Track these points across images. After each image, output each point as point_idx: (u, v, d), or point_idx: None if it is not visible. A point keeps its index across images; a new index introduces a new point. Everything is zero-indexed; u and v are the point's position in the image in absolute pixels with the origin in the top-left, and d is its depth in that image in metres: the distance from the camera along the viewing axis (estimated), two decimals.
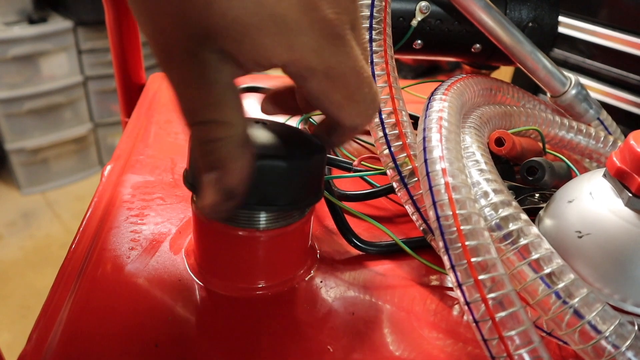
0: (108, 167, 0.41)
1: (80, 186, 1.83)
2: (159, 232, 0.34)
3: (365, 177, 0.42)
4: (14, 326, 1.30)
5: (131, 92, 0.59)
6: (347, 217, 0.35)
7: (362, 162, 0.35)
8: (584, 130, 0.41)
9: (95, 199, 0.37)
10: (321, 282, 0.32)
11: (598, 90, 0.72)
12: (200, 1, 0.20)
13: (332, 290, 0.31)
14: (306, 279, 0.32)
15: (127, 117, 0.60)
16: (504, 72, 0.55)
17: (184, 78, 0.22)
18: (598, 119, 0.44)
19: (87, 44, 1.70)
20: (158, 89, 0.56)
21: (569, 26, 0.72)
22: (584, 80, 0.66)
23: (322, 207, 0.37)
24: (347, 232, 0.34)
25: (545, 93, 0.45)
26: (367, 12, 0.34)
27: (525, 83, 0.49)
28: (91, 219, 0.35)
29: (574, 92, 0.43)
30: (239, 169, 0.23)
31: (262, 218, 0.28)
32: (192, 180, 0.28)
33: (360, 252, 0.34)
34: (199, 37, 0.21)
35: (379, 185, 0.39)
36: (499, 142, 0.35)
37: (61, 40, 1.64)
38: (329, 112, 0.24)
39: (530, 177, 0.35)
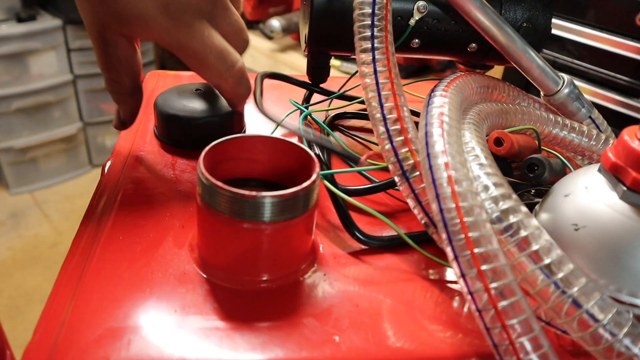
0: (108, 163, 0.41)
1: (69, 186, 1.82)
2: (162, 226, 0.35)
3: (364, 172, 0.43)
4: (3, 326, 1.29)
5: None
6: (350, 211, 0.36)
7: (369, 160, 0.36)
8: (577, 128, 0.42)
9: (96, 194, 0.38)
10: (324, 275, 0.32)
11: (586, 91, 0.73)
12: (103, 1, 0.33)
13: (335, 283, 0.32)
14: (310, 272, 0.32)
15: None
16: (494, 71, 0.56)
17: (97, 49, 0.35)
18: (590, 117, 0.45)
19: (77, 43, 1.69)
20: (155, 86, 0.57)
21: (558, 27, 0.73)
22: None
23: (325, 201, 0.38)
24: (350, 226, 0.35)
25: (535, 91, 0.46)
26: (368, 10, 0.35)
27: (516, 81, 0.50)
28: (93, 213, 0.35)
29: (566, 91, 0.44)
30: (126, 109, 0.40)
31: (267, 210, 0.29)
32: None
33: (363, 246, 0.35)
34: (104, 22, 0.34)
35: (377, 181, 0.39)
36: (498, 142, 0.36)
37: (50, 38, 1.63)
38: (194, 70, 0.36)
39: (530, 174, 0.36)
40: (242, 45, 0.38)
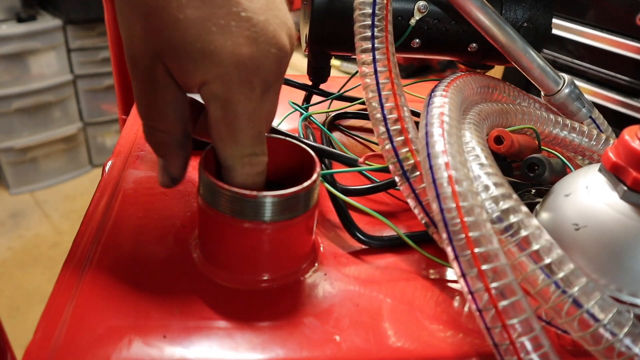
0: (109, 163, 0.41)
1: (69, 186, 1.82)
2: (163, 226, 0.35)
3: (364, 172, 0.43)
4: (3, 326, 1.29)
5: (129, 90, 0.59)
6: (350, 211, 0.36)
7: (367, 162, 0.36)
8: (577, 128, 0.42)
9: (97, 194, 0.38)
10: (325, 274, 0.32)
11: (586, 90, 0.73)
12: (163, 24, 0.25)
13: (336, 282, 0.32)
14: (310, 271, 0.32)
15: (124, 115, 0.60)
16: (495, 71, 0.56)
17: (141, 88, 0.27)
18: (590, 117, 0.45)
19: (77, 43, 1.69)
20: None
21: (558, 27, 0.73)
22: None
23: (325, 201, 0.38)
24: (350, 226, 0.35)
25: (536, 91, 0.46)
26: (369, 10, 0.35)
27: (516, 81, 0.50)
28: (94, 213, 0.35)
29: (567, 91, 0.44)
30: (176, 164, 0.30)
31: (268, 210, 0.29)
32: None
33: (364, 246, 0.35)
34: (155, 53, 0.26)
35: (378, 181, 0.39)
36: (498, 140, 0.36)
37: (50, 38, 1.63)
38: (213, 139, 0.28)
39: (531, 174, 0.36)
40: (267, 130, 0.31)
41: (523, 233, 0.27)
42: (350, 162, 0.37)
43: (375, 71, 0.35)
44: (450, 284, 0.33)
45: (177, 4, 0.24)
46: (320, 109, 0.53)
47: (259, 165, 0.29)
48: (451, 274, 0.34)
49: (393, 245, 0.35)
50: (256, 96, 0.27)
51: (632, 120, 0.65)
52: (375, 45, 0.35)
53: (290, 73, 0.56)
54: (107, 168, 0.41)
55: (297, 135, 0.43)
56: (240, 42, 0.25)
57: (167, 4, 0.24)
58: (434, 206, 0.28)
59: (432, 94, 0.34)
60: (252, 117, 0.27)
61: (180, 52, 0.25)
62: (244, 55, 0.25)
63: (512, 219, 0.27)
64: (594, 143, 0.42)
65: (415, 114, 0.47)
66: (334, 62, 1.38)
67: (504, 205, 0.28)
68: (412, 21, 0.43)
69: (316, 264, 0.33)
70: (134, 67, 0.27)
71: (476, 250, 0.26)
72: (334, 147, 0.45)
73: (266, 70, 0.27)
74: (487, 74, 0.45)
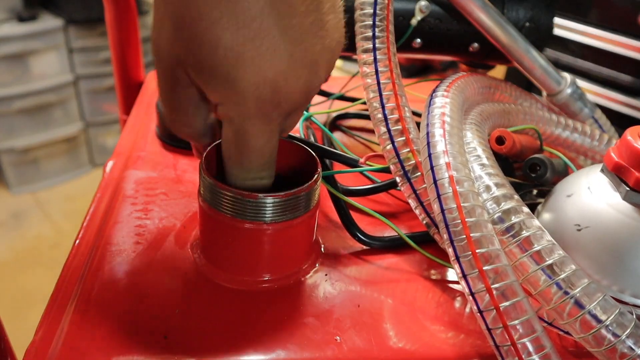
0: (110, 163, 0.41)
1: (70, 186, 1.82)
2: (163, 226, 0.35)
3: (365, 173, 0.43)
4: (4, 327, 1.29)
5: (130, 90, 0.59)
6: (351, 211, 0.36)
7: (367, 162, 0.35)
8: (580, 129, 0.42)
9: (98, 195, 0.38)
10: (326, 275, 0.32)
11: (589, 90, 0.73)
12: (192, 36, 0.24)
13: (337, 283, 0.32)
14: (311, 272, 0.32)
15: (125, 115, 0.60)
16: (497, 72, 0.56)
17: (163, 82, 0.27)
18: (592, 117, 0.45)
19: (78, 43, 1.69)
20: (157, 86, 0.57)
21: (561, 26, 0.73)
22: None
23: (326, 201, 0.38)
24: (351, 227, 0.35)
25: (538, 92, 0.46)
26: (370, 10, 0.35)
27: (518, 82, 0.50)
28: (95, 214, 0.35)
29: (569, 90, 0.44)
30: (203, 147, 0.31)
31: (269, 210, 0.29)
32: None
33: (365, 246, 0.35)
34: (179, 58, 0.25)
35: (379, 181, 0.39)
36: (500, 140, 0.36)
37: (51, 38, 1.63)
38: (222, 153, 0.28)
39: (532, 174, 0.36)
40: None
41: (524, 234, 0.27)
42: (351, 163, 0.37)
43: (377, 71, 0.34)
44: (451, 285, 0.33)
45: (211, 22, 0.23)
46: (322, 109, 0.53)
47: (262, 186, 0.29)
48: (452, 274, 0.34)
49: (394, 246, 0.35)
50: (272, 128, 0.26)
51: (635, 121, 0.65)
52: (377, 45, 0.35)
53: None
54: (107, 168, 0.41)
55: (298, 135, 0.43)
56: (267, 76, 0.24)
57: (199, 17, 0.23)
58: (435, 207, 0.28)
59: (434, 94, 0.33)
60: (263, 149, 0.27)
61: (203, 69, 0.24)
62: (268, 89, 0.24)
63: (514, 219, 0.27)
64: (596, 143, 0.42)
65: (416, 114, 0.47)
66: (336, 62, 1.37)
67: (506, 205, 0.28)
68: (414, 21, 0.43)
69: (317, 265, 0.33)
70: (158, 60, 0.26)
71: (477, 251, 0.26)
72: (334, 148, 0.45)
73: (289, 103, 0.26)
74: (488, 73, 0.45)
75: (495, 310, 0.25)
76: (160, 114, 0.44)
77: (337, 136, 0.50)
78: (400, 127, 0.33)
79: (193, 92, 0.27)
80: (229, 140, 0.27)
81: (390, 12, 0.36)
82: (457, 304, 0.32)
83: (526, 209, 0.28)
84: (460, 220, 0.27)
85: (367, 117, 0.52)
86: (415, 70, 1.25)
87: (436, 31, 0.44)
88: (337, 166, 0.39)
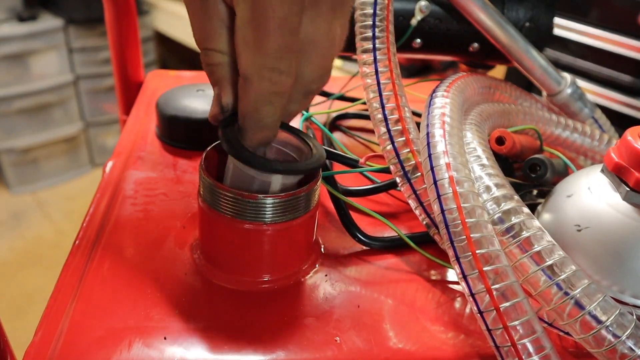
0: (110, 163, 0.41)
1: (70, 186, 1.82)
2: (163, 227, 0.35)
3: (365, 173, 0.43)
4: (4, 327, 1.29)
5: (129, 90, 0.59)
6: (351, 212, 0.36)
7: (367, 162, 0.35)
8: (580, 129, 0.42)
9: (98, 195, 0.37)
10: (326, 276, 0.32)
11: (589, 91, 0.73)
12: None
13: (337, 284, 0.32)
14: (311, 273, 0.32)
15: (125, 115, 0.60)
16: (497, 72, 0.56)
17: (193, 9, 0.27)
18: (592, 117, 0.45)
19: (78, 43, 1.69)
20: (157, 86, 0.57)
21: (561, 26, 0.73)
22: None
23: (326, 202, 0.37)
24: (351, 227, 0.35)
25: (538, 92, 0.46)
26: (370, 10, 0.35)
27: (518, 82, 0.50)
28: (95, 214, 0.35)
29: (569, 91, 0.43)
30: (229, 90, 0.29)
31: (269, 211, 0.29)
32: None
33: (365, 247, 0.35)
34: None
35: (379, 182, 0.39)
36: (500, 141, 0.36)
37: (51, 38, 1.63)
38: (237, 47, 0.26)
39: (532, 174, 0.36)
40: (329, 57, 0.28)
41: (524, 234, 0.27)
42: (351, 163, 0.37)
43: (377, 71, 0.34)
44: (451, 285, 0.33)
45: None
46: (321, 110, 0.53)
47: (279, 84, 0.26)
48: (452, 275, 0.34)
49: (394, 246, 0.35)
50: (292, 2, 0.24)
51: (635, 121, 0.65)
52: (377, 45, 0.35)
53: None
54: (107, 169, 0.41)
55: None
56: None
57: None
58: (435, 207, 0.28)
59: (434, 95, 0.33)
60: (282, 24, 0.25)
61: None
62: None
63: (514, 220, 0.27)
64: (596, 143, 0.41)
65: (416, 114, 0.47)
66: (336, 62, 1.38)
67: (506, 206, 0.28)
68: (414, 21, 0.43)
69: (317, 265, 0.33)
70: None
71: (477, 251, 0.26)
72: (334, 148, 0.45)
73: None
74: (488, 74, 0.45)
75: (495, 311, 0.25)
76: (160, 114, 0.44)
77: (337, 136, 0.50)
78: (400, 127, 0.33)
79: (223, 9, 0.26)
80: (244, 22, 0.25)
81: (390, 12, 0.36)
82: (457, 304, 0.32)
83: (526, 210, 0.28)
84: (460, 221, 0.27)
85: (367, 117, 0.52)
86: (415, 70, 1.24)
87: (436, 31, 0.44)
88: (337, 166, 0.39)
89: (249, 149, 0.28)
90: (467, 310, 0.31)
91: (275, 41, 0.25)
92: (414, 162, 0.32)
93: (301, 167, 0.29)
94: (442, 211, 0.28)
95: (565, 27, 0.74)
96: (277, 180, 0.29)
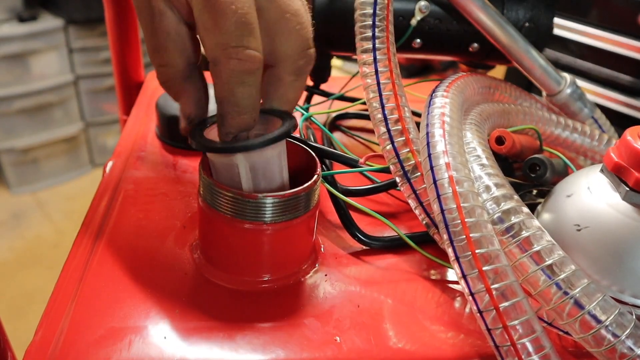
0: (110, 163, 0.41)
1: (70, 186, 1.82)
2: (163, 227, 0.35)
3: (365, 173, 0.43)
4: (4, 327, 1.29)
5: (130, 90, 0.59)
6: (351, 211, 0.36)
7: (367, 162, 0.35)
8: (579, 129, 0.42)
9: (97, 195, 0.38)
10: (326, 275, 0.32)
11: (589, 91, 0.73)
12: None
13: (337, 283, 0.32)
14: (311, 272, 0.32)
15: (125, 115, 0.60)
16: (497, 72, 0.56)
17: (144, 25, 0.28)
18: (592, 117, 0.45)
19: (78, 43, 1.69)
20: (157, 86, 0.56)
21: (561, 26, 0.73)
22: None
23: (326, 202, 0.38)
24: (351, 227, 0.35)
25: (538, 92, 0.46)
26: (369, 10, 0.35)
27: (518, 82, 0.50)
28: (95, 214, 0.35)
29: (569, 91, 0.44)
30: (187, 100, 0.29)
31: (268, 211, 0.29)
32: None
33: (364, 247, 0.35)
34: None
35: (379, 182, 0.39)
36: (500, 140, 0.36)
37: (51, 38, 1.63)
38: (199, 34, 0.27)
39: (532, 174, 0.36)
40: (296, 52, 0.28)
41: (524, 234, 0.27)
42: (351, 163, 0.37)
43: (376, 71, 0.35)
44: (451, 285, 0.33)
45: None
46: (321, 109, 0.53)
47: (247, 61, 0.26)
48: (452, 274, 0.34)
49: (394, 246, 0.35)
50: None
51: (635, 121, 0.65)
52: (376, 45, 0.35)
53: None
54: (107, 169, 0.41)
55: (297, 135, 0.43)
56: None
57: None
58: (435, 207, 0.28)
59: (433, 95, 0.33)
60: (234, 0, 0.25)
61: None
62: None
63: (513, 219, 0.27)
64: (596, 143, 0.42)
65: (416, 114, 0.47)
66: (336, 62, 1.38)
67: (505, 206, 0.28)
68: (413, 21, 0.43)
69: (317, 265, 0.33)
70: (138, 9, 0.27)
71: (477, 251, 0.26)
72: (334, 148, 0.45)
73: None
74: (488, 74, 0.45)
75: (495, 311, 0.25)
76: (160, 114, 0.44)
77: (337, 136, 0.50)
78: (400, 127, 0.33)
79: (170, 21, 0.27)
80: (201, 10, 0.26)
81: (390, 12, 0.36)
82: (457, 304, 0.32)
83: (526, 209, 0.28)
84: (460, 221, 0.27)
85: (367, 117, 0.52)
86: (415, 70, 1.25)
87: (436, 31, 0.44)
88: (337, 166, 0.40)
89: (223, 138, 0.28)
90: (467, 310, 0.31)
91: (231, 18, 0.25)
92: (413, 161, 0.32)
93: (257, 142, 0.27)
94: (442, 211, 0.28)
95: (565, 27, 0.74)
96: (242, 161, 0.28)
